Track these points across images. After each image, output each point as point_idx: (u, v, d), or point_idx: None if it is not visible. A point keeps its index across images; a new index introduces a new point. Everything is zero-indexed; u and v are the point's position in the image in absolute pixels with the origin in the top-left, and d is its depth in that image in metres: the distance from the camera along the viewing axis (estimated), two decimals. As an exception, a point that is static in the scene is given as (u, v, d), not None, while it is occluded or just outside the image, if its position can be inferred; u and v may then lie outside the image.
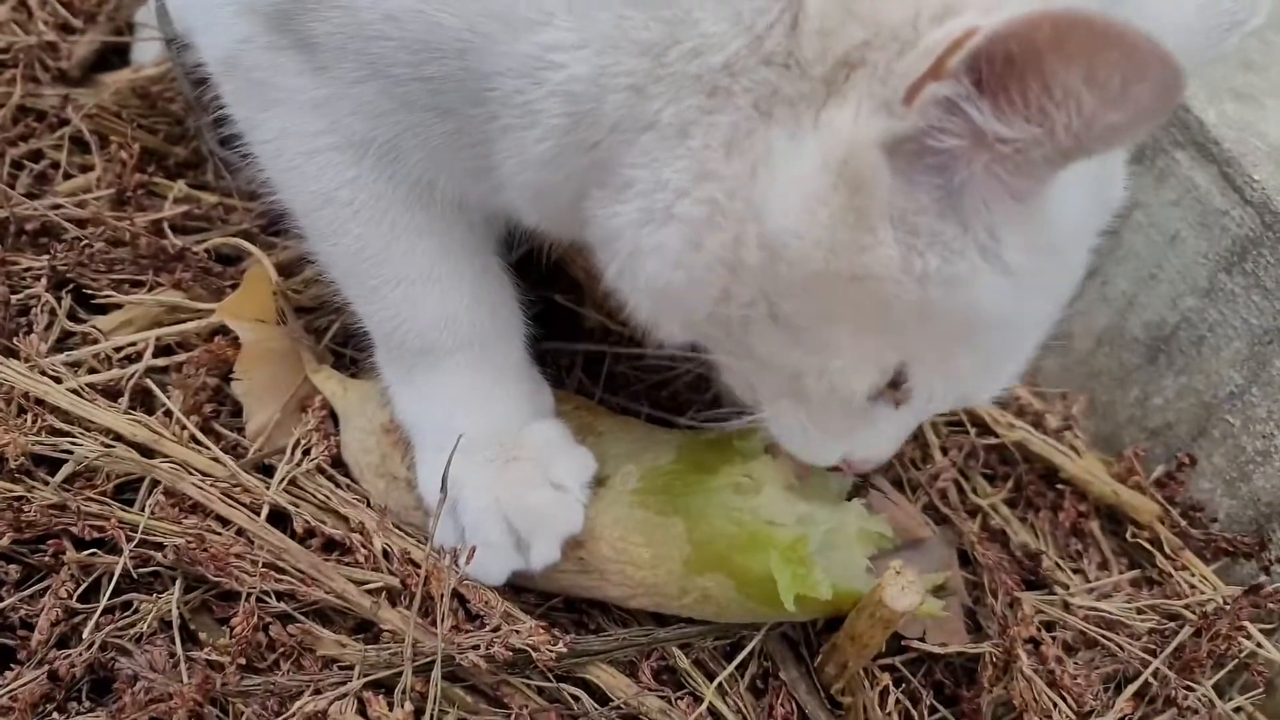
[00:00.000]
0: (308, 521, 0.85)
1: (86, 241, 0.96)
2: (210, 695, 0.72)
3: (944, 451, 1.04)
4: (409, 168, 0.75)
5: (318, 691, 0.74)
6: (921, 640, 0.88)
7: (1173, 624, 0.93)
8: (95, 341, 0.91)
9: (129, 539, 0.80)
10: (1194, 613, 0.93)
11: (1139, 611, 0.94)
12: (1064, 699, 0.87)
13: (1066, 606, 0.95)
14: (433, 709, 0.75)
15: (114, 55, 1.20)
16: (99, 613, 0.77)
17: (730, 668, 0.83)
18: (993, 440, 1.05)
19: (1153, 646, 0.92)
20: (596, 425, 0.89)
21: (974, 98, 0.57)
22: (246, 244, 0.98)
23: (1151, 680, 0.91)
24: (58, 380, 0.86)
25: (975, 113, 0.57)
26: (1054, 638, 0.92)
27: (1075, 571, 0.99)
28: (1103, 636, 0.93)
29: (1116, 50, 0.53)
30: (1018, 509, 1.03)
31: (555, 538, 0.82)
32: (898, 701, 0.85)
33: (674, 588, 0.82)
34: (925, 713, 0.86)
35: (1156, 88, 0.54)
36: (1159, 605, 0.95)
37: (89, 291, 0.95)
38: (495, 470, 0.83)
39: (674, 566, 0.81)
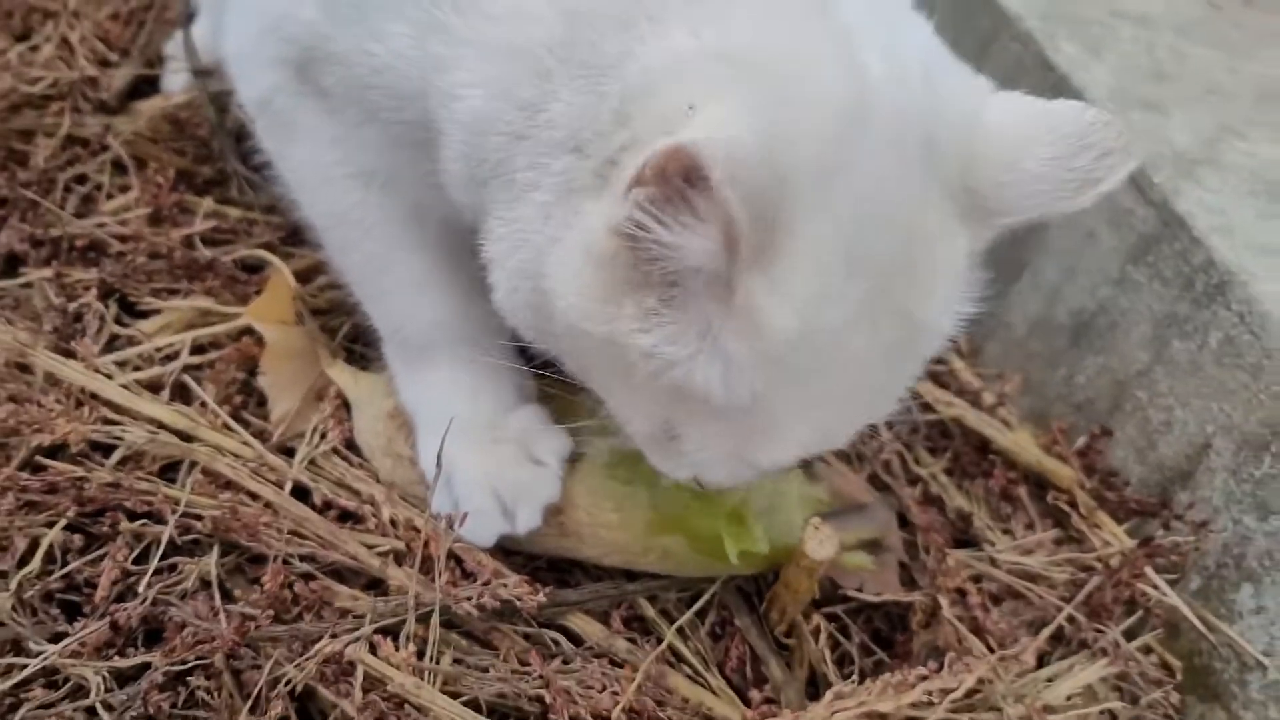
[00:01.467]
0: (326, 495, 0.98)
1: (129, 255, 1.10)
2: (246, 638, 0.86)
3: (889, 426, 1.16)
4: (405, 193, 0.89)
5: (334, 636, 0.87)
6: (859, 591, 1.01)
7: (1085, 574, 1.06)
8: (139, 343, 1.05)
9: (173, 511, 0.93)
10: (1103, 565, 1.05)
11: (1056, 565, 1.07)
12: (985, 641, 1.01)
13: (993, 562, 1.07)
14: (432, 650, 0.88)
15: (146, 85, 1.34)
16: (150, 573, 0.91)
17: (689, 614, 0.97)
18: (933, 416, 1.18)
19: (1067, 595, 1.05)
20: (573, 406, 1.02)
21: (663, 209, 0.63)
22: (268, 255, 1.12)
23: (1065, 625, 1.03)
24: (109, 377, 1.00)
25: (665, 222, 0.63)
26: (980, 589, 1.05)
27: (1004, 532, 1.12)
28: (1024, 587, 1.06)
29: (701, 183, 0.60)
30: (954, 477, 1.16)
31: (537, 505, 0.95)
32: (835, 643, 0.98)
33: (639, 546, 0.95)
34: (860, 653, 0.99)
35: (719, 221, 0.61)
36: (1074, 559, 1.07)
37: (132, 299, 1.09)
38: (484, 449, 0.97)
39: (638, 529, 0.95)
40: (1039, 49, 1.20)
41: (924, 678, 0.91)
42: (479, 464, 0.96)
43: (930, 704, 0.91)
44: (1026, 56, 1.21)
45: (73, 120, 1.22)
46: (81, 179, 1.20)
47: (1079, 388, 1.17)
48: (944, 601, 1.00)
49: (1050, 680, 1.01)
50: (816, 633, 0.97)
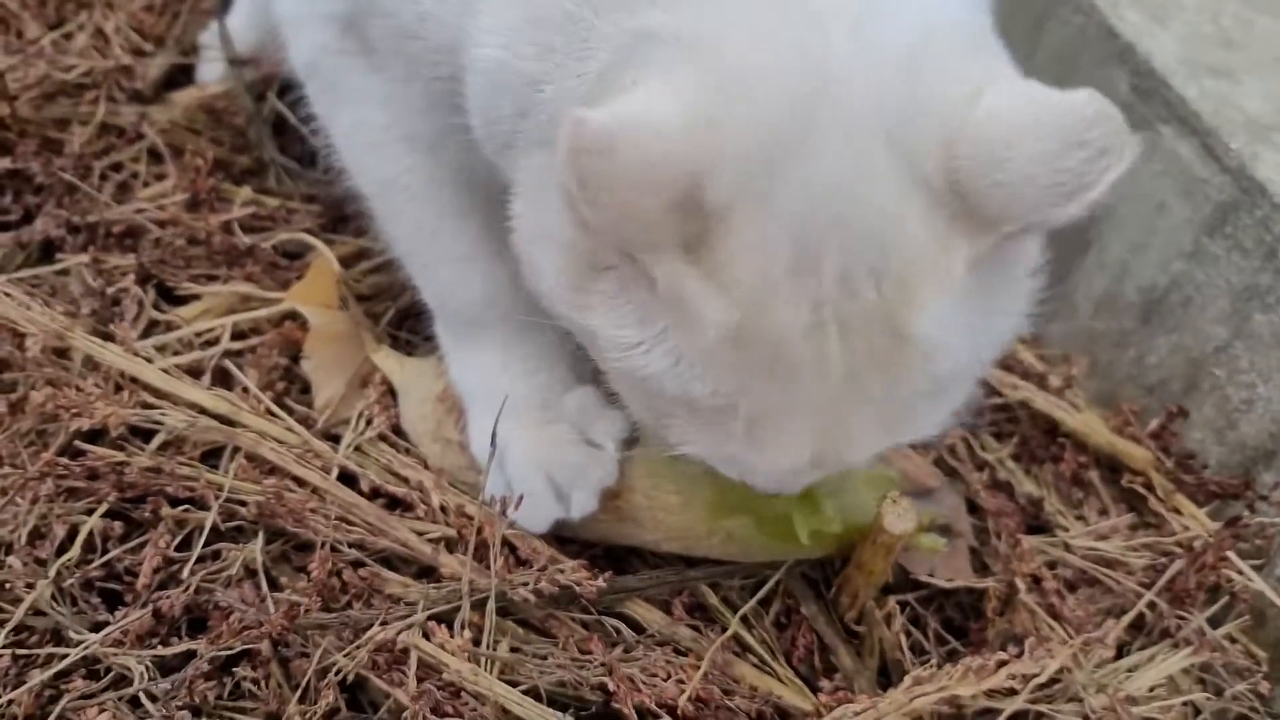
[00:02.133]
0: (373, 481, 0.95)
1: (167, 240, 1.07)
2: (294, 625, 0.82)
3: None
4: (451, 158, 0.85)
5: (385, 624, 0.83)
6: (931, 576, 0.96)
7: (1165, 559, 1.01)
8: (178, 328, 1.02)
9: (216, 497, 0.90)
10: (1184, 549, 1.00)
11: (1134, 550, 1.02)
12: (1063, 629, 0.96)
13: (1067, 547, 1.02)
14: (488, 637, 0.84)
15: (182, 75, 1.31)
16: (193, 560, 0.87)
17: (753, 601, 0.92)
18: (999, 400, 1.13)
19: (1147, 581, 1.00)
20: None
21: (577, 183, 0.58)
22: (310, 238, 1.08)
23: (1146, 612, 0.98)
24: (148, 361, 0.96)
25: (575, 199, 0.58)
26: (1055, 575, 1.00)
27: (1077, 519, 1.07)
28: (1101, 573, 1.01)
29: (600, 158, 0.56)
30: (1022, 463, 1.11)
31: (592, 488, 0.91)
32: (907, 631, 0.93)
33: (701, 529, 0.91)
34: (934, 642, 0.95)
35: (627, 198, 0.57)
36: (1153, 544, 1.03)
37: (170, 285, 1.06)
38: (538, 430, 0.93)
39: (701, 511, 0.90)
40: (1102, 18, 1.16)
41: (1004, 663, 0.86)
42: (532, 446, 0.92)
43: (1012, 691, 0.86)
44: (1090, 27, 1.17)
45: (107, 109, 1.19)
46: (117, 167, 1.17)
47: (1150, 368, 1.13)
48: (1021, 586, 0.95)
49: (1131, 670, 0.96)
50: (889, 619, 0.92)
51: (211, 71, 1.31)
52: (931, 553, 0.93)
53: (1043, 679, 0.86)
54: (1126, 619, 0.97)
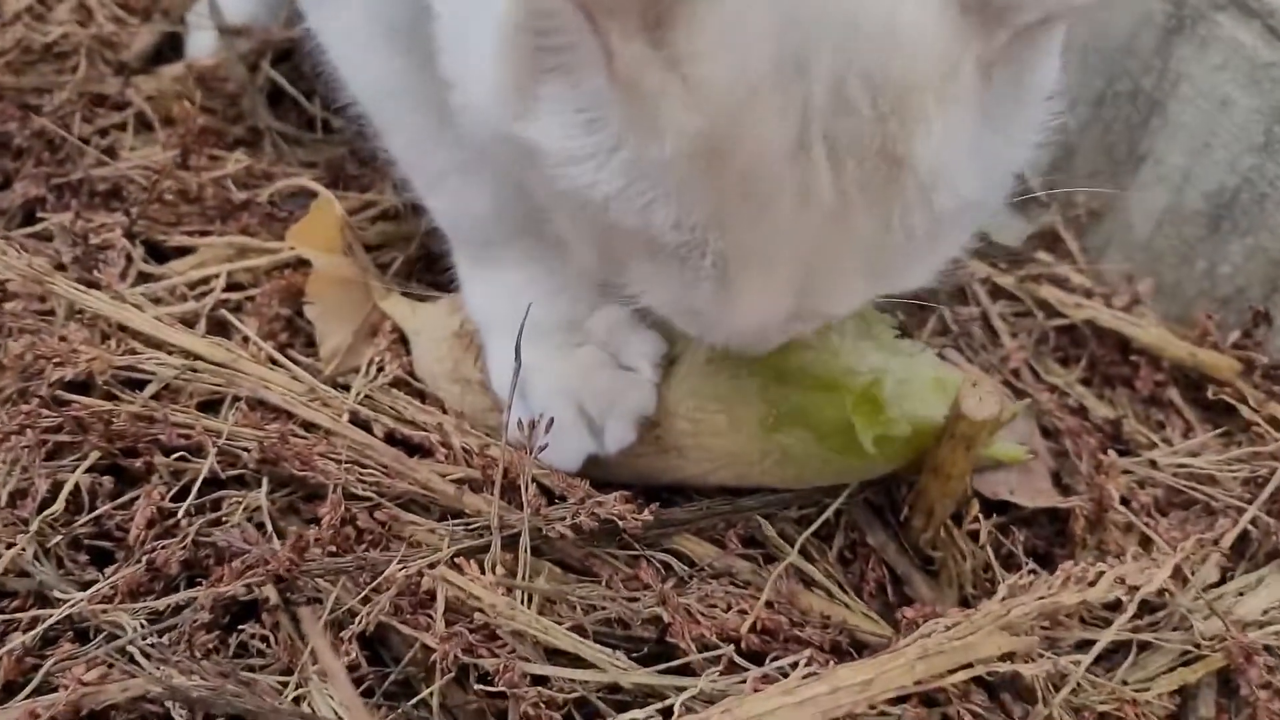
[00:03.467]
0: (387, 427, 0.86)
1: (157, 194, 0.99)
2: (305, 566, 0.73)
3: (1013, 335, 1.03)
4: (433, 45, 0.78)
5: (405, 563, 0.74)
6: (1011, 495, 0.87)
7: (1265, 473, 0.91)
8: (169, 279, 0.94)
9: (215, 445, 0.81)
10: (1287, 458, 0.91)
11: (1228, 465, 0.92)
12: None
13: (1154, 465, 0.93)
14: (524, 570, 0.75)
15: (170, 50, 1.24)
16: (190, 510, 0.78)
17: (812, 529, 0.82)
18: (1061, 321, 1.04)
19: (1247, 496, 0.90)
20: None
21: None
22: (311, 184, 1.00)
23: (1251, 529, 0.89)
24: (138, 308, 0.88)
25: None
26: (1145, 496, 0.90)
27: (1162, 441, 0.98)
28: (1194, 490, 0.91)
29: None
30: (1093, 387, 1.02)
31: (628, 418, 0.82)
32: (988, 554, 0.84)
33: (754, 451, 0.82)
34: (1017, 566, 0.85)
35: None
36: (1249, 457, 0.93)
37: (160, 241, 0.98)
38: (564, 356, 0.84)
39: (752, 429, 0.81)
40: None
41: (1101, 573, 0.76)
42: (559, 372, 0.84)
43: (1116, 606, 0.76)
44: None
45: (91, 77, 1.12)
46: (103, 132, 1.09)
47: (1224, 279, 1.04)
48: (1112, 498, 0.85)
49: (1241, 594, 0.86)
50: (973, 537, 0.82)
51: (202, 44, 1.24)
52: (1011, 463, 0.83)
53: (1152, 588, 0.76)
54: (1230, 535, 0.87)
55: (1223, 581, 0.87)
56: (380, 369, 0.91)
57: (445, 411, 0.89)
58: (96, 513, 0.79)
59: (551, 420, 0.80)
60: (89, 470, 0.80)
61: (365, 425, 0.86)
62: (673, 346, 0.85)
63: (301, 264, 0.96)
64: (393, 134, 0.84)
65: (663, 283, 0.62)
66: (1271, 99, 0.97)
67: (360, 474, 0.81)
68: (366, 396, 0.89)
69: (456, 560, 0.75)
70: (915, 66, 0.55)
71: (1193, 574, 0.84)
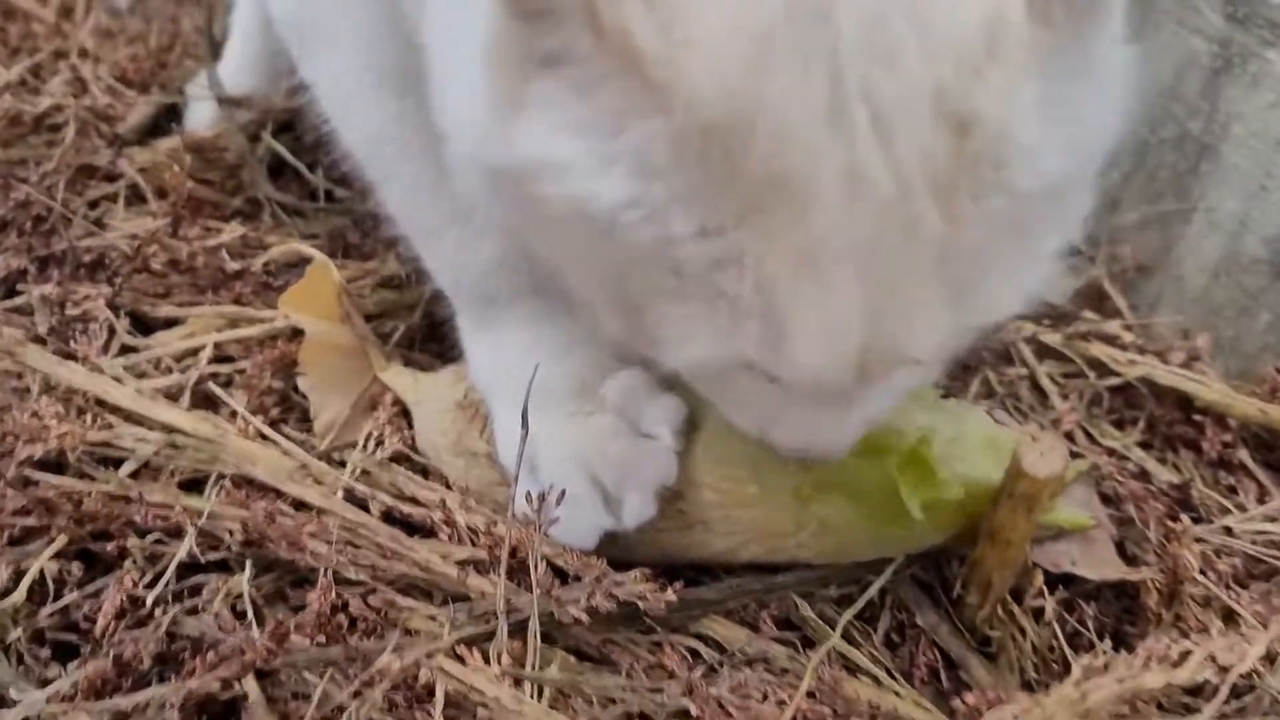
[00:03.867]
0: (386, 504, 0.79)
1: (145, 263, 0.93)
2: (287, 656, 0.65)
3: (1063, 396, 0.95)
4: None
5: (400, 653, 0.66)
6: (1074, 567, 0.78)
7: (1355, 536, 0.82)
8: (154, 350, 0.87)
9: (194, 526, 0.74)
10: (1377, 519, 0.82)
11: (1312, 529, 0.84)
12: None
13: (1229, 532, 0.84)
14: (533, 658, 0.67)
15: (168, 123, 1.20)
16: (163, 598, 0.71)
17: (858, 604, 0.74)
18: (1114, 380, 0.96)
19: (1335, 563, 0.81)
20: (685, 377, 0.83)
21: None
22: (308, 249, 0.95)
23: (1340, 599, 0.80)
24: (117, 381, 0.82)
25: None
26: (1222, 570, 0.82)
27: (1235, 507, 0.89)
28: (1272, 557, 0.82)
29: None
30: (1154, 450, 0.93)
31: (648, 489, 0.74)
32: (1053, 633, 0.75)
33: (787, 522, 0.74)
34: (1085, 646, 0.76)
35: None
36: (1334, 516, 0.84)
37: (147, 312, 0.92)
38: (576, 423, 0.77)
39: (784, 498, 0.73)
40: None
41: (1188, 653, 0.67)
42: (570, 441, 0.76)
43: (1203, 687, 0.67)
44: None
45: (83, 148, 1.08)
46: (94, 204, 1.04)
47: (1290, 330, 0.96)
48: (1190, 567, 0.76)
49: (1339, 672, 0.76)
50: (1039, 615, 0.73)
51: (201, 116, 1.20)
52: (1074, 530, 0.75)
53: (1244, 667, 0.66)
54: (1321, 608, 0.78)
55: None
56: (379, 443, 0.84)
57: (449, 487, 0.81)
58: (62, 602, 0.71)
59: (563, 493, 0.73)
60: (56, 556, 0.73)
61: (361, 503, 0.79)
62: (696, 412, 0.78)
63: (297, 334, 0.90)
64: (388, 185, 0.79)
65: (698, 331, 0.52)
66: (1332, 135, 0.91)
67: (353, 555, 0.74)
68: (363, 472, 0.82)
69: (458, 649, 0.67)
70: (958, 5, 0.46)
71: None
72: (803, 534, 0.74)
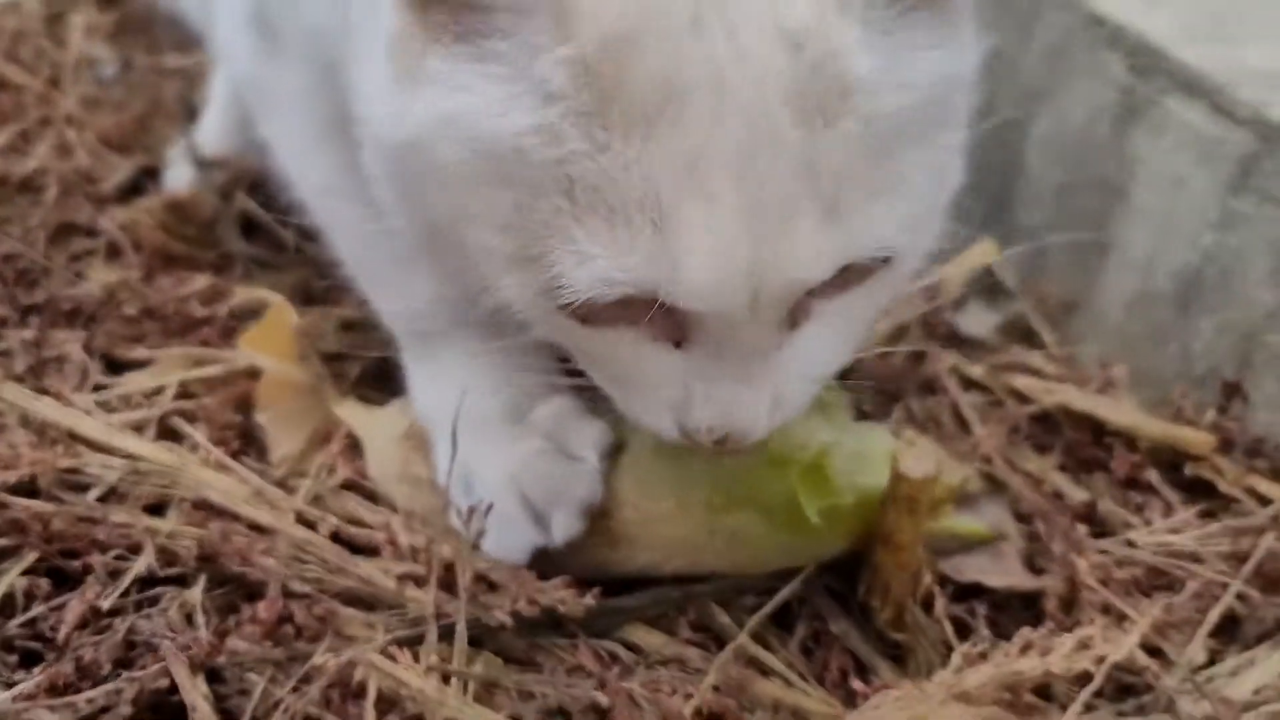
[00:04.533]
0: (333, 527, 0.84)
1: (118, 308, 1.00)
2: (231, 655, 0.70)
3: (984, 424, 1.01)
4: None
5: (336, 653, 0.71)
6: (980, 578, 0.83)
7: (1247, 545, 0.87)
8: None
9: (153, 542, 0.79)
10: (1275, 524, 0.87)
11: (1210, 538, 0.89)
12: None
13: (1131, 544, 0.89)
14: (460, 659, 0.72)
15: (148, 185, 1.27)
16: (122, 608, 0.76)
17: (769, 606, 0.79)
18: (1034, 408, 1.02)
19: (1232, 571, 0.86)
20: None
21: None
22: (268, 293, 1.01)
23: (1237, 605, 0.84)
24: (86, 413, 0.88)
25: None
26: (1123, 578, 0.87)
27: (1144, 524, 0.94)
28: (1176, 567, 0.87)
29: None
30: (1069, 472, 0.98)
31: (574, 507, 0.80)
32: (954, 633, 0.80)
33: (703, 535, 0.79)
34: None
35: None
36: (1233, 528, 0.89)
37: (121, 353, 0.99)
38: (508, 446, 0.83)
39: (699, 513, 0.79)
40: (1089, 8, 1.10)
41: (1081, 642, 0.72)
42: (502, 463, 0.82)
43: (1086, 677, 0.72)
44: (1074, 21, 1.12)
45: (66, 206, 1.15)
46: (75, 258, 1.11)
47: (1198, 357, 1.01)
48: (1085, 580, 0.81)
49: (1234, 674, 0.81)
50: (929, 607, 0.78)
51: (180, 176, 1.27)
52: (974, 540, 0.80)
53: (1119, 656, 0.71)
54: (1215, 612, 0.83)
55: (1212, 663, 0.82)
56: (331, 471, 0.90)
57: (397, 512, 0.87)
58: (30, 614, 0.77)
59: (490, 506, 0.78)
60: (27, 572, 0.79)
61: (311, 525, 0.85)
62: (620, 435, 0.83)
63: (257, 372, 0.96)
64: (335, 232, 0.86)
65: (595, 255, 0.56)
66: (1222, 174, 0.97)
67: (300, 570, 0.79)
68: (315, 498, 0.87)
69: (390, 650, 0.72)
70: None
71: (1178, 654, 0.80)
72: (717, 544, 0.79)
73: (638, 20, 0.53)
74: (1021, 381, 1.04)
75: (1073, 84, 1.12)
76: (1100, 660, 0.71)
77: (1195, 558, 0.88)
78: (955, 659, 0.69)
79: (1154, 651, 0.81)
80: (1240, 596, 0.84)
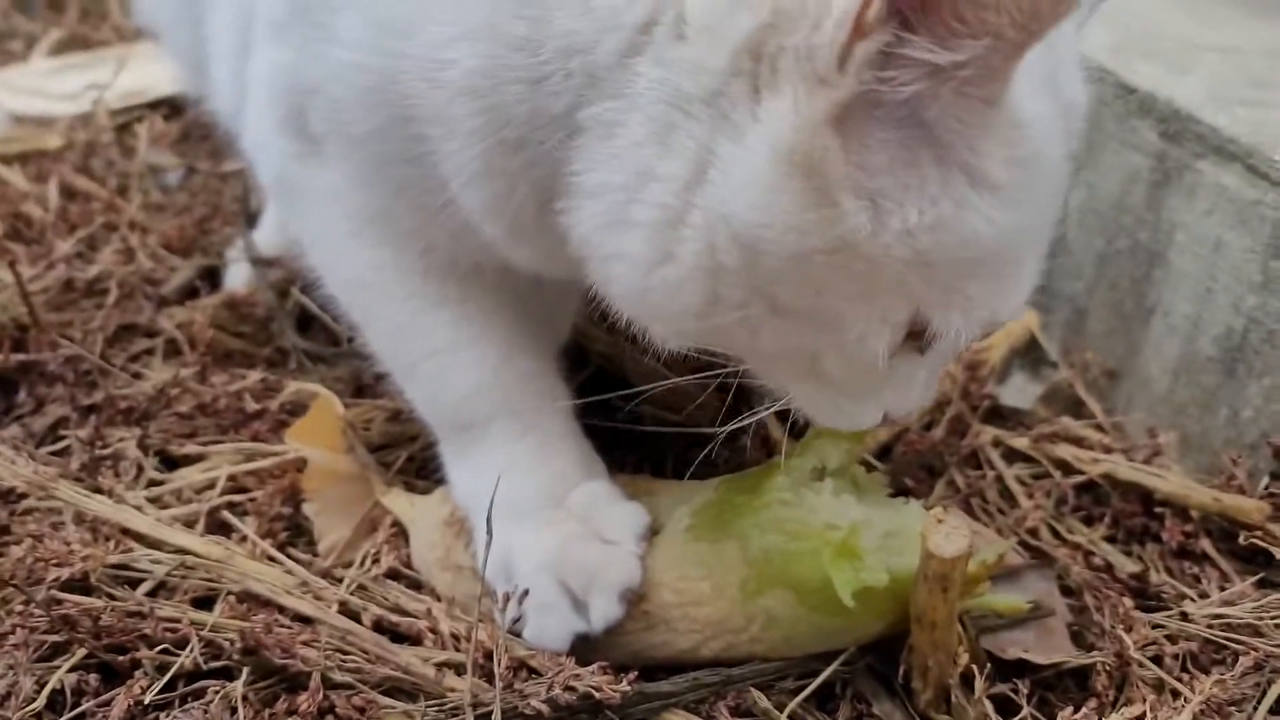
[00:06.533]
0: (377, 616, 0.85)
1: (171, 403, 1.03)
2: (269, 748, 0.71)
3: (1029, 496, 1.00)
4: (410, 235, 0.82)
5: (377, 746, 0.72)
6: (1026, 654, 0.82)
7: (1308, 616, 0.85)
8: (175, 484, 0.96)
9: (199, 636, 0.81)
10: (1328, 600, 0.84)
11: (1267, 611, 0.86)
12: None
13: (1184, 617, 0.87)
14: (494, 751, 0.72)
15: (209, 285, 1.32)
16: (166, 703, 0.78)
17: (805, 693, 0.78)
18: (1079, 479, 1.01)
19: (1291, 644, 0.84)
20: (649, 488, 0.89)
21: (910, 41, 0.58)
22: (315, 386, 1.03)
23: (1299, 679, 0.82)
24: (138, 509, 0.91)
25: (919, 53, 0.58)
26: (1177, 651, 0.85)
27: (1200, 596, 0.91)
28: (1233, 641, 0.85)
29: None
30: (1118, 543, 0.97)
31: (613, 592, 0.80)
32: (999, 712, 0.78)
33: (739, 617, 0.79)
34: (1034, 729, 0.79)
35: None
36: (1290, 600, 0.87)
37: (175, 450, 1.02)
38: (546, 533, 0.84)
39: (734, 594, 0.79)
40: (1116, 77, 1.11)
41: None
42: (541, 550, 0.83)
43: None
44: (1104, 91, 1.12)
45: (128, 309, 1.19)
46: (135, 358, 1.15)
47: (1247, 424, 0.99)
48: (1134, 656, 0.79)
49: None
50: (995, 701, 0.77)
51: (239, 276, 1.32)
52: (1012, 615, 0.79)
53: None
54: (1277, 687, 0.80)
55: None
56: (375, 560, 0.91)
57: (439, 599, 0.88)
58: (79, 710, 0.78)
59: (526, 591, 0.79)
60: (78, 668, 0.81)
61: (355, 616, 0.86)
62: (655, 520, 0.84)
63: (306, 465, 0.98)
64: (369, 327, 0.88)
65: (974, 299, 0.68)
66: (1261, 236, 0.96)
67: (341, 660, 0.80)
68: (360, 587, 0.89)
69: (430, 746, 0.73)
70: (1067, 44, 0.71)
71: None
72: (753, 628, 0.79)
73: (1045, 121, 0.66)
74: (1067, 451, 1.02)
75: (1106, 153, 1.11)
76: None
77: (1254, 630, 0.86)
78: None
79: (1214, 730, 0.79)
80: (1302, 670, 0.82)
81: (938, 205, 0.63)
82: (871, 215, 0.62)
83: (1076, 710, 0.79)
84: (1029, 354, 1.17)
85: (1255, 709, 0.80)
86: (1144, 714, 0.71)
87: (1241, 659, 0.82)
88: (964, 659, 0.76)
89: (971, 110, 0.62)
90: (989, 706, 0.76)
